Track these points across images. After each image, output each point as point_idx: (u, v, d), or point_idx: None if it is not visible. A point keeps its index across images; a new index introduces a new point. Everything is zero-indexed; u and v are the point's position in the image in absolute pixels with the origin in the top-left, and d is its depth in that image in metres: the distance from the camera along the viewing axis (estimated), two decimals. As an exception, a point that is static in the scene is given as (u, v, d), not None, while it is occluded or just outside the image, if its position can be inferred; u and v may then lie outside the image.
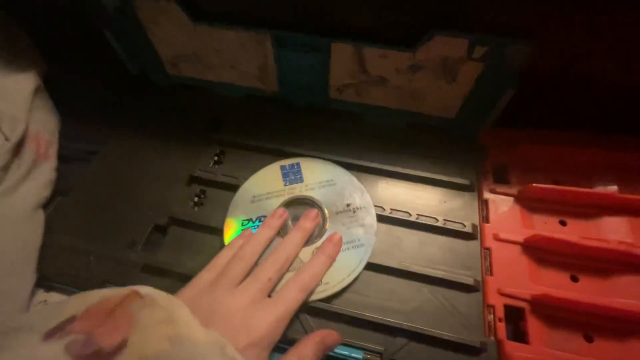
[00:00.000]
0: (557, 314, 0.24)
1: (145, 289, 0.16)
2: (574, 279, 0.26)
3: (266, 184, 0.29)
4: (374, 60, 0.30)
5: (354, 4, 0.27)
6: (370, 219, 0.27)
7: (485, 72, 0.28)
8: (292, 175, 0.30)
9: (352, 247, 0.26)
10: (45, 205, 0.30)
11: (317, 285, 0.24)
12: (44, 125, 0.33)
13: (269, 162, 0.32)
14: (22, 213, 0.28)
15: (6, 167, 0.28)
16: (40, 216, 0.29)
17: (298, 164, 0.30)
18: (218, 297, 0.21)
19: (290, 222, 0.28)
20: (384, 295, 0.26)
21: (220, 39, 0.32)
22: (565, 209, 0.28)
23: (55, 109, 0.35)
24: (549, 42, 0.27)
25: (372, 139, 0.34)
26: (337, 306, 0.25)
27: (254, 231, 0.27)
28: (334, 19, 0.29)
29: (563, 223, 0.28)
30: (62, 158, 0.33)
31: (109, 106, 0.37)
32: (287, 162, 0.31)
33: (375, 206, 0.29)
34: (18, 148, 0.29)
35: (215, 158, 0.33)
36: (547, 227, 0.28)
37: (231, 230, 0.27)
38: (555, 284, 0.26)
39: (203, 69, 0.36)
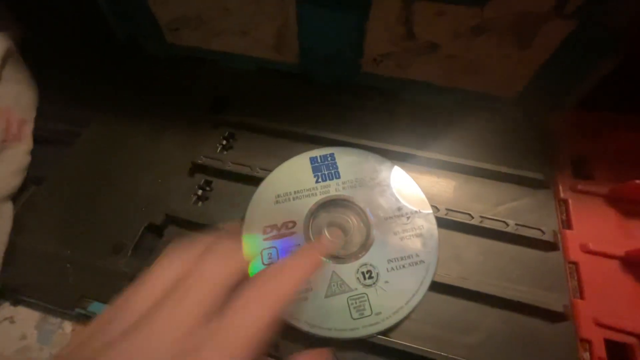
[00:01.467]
0: (678, 354, 0.18)
1: None
2: (693, 305, 0.20)
3: (293, 181, 0.23)
4: (426, 19, 0.24)
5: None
6: (430, 226, 0.21)
7: (574, 35, 0.22)
8: (325, 170, 0.23)
9: (410, 264, 0.20)
10: (14, 197, 0.25)
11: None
12: (17, 100, 0.27)
13: (287, 147, 0.26)
14: None
15: None
16: (8, 210, 0.24)
17: (332, 155, 0.24)
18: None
19: (326, 231, 0.21)
20: (440, 321, 0.20)
21: (230, -7, 0.26)
22: (674, 214, 0.22)
23: (32, 81, 0.29)
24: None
25: (414, 120, 0.28)
26: (383, 337, 0.19)
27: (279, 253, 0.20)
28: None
29: (671, 231, 0.22)
30: (37, 139, 0.27)
31: (94, 80, 0.31)
32: (318, 152, 0.24)
33: (427, 205, 0.23)
34: (-21, 126, 0.23)
35: (224, 142, 0.27)
36: (650, 236, 0.22)
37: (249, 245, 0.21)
38: (669, 313, 0.19)
39: (208, 35, 0.30)
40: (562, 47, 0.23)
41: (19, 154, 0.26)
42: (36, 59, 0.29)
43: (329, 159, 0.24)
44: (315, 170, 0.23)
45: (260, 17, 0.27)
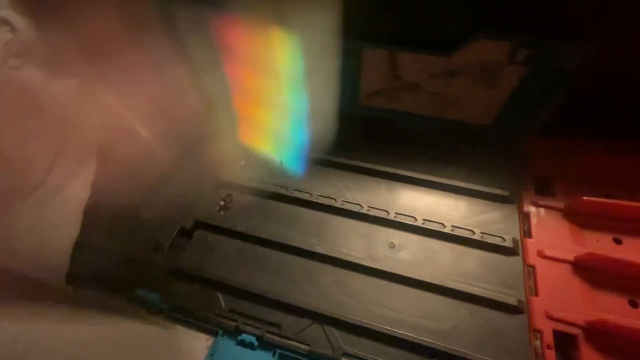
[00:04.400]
0: (616, 344, 0.22)
1: None
2: (633, 304, 0.23)
3: None
4: (408, 65, 0.29)
5: (387, 11, 0.26)
6: None
7: (528, 76, 0.27)
8: None
9: None
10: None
11: None
12: (87, 128, 0.34)
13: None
14: (72, 211, 0.29)
15: (50, 167, 0.29)
16: (80, 214, 0.30)
17: None
18: None
19: None
20: (417, 311, 0.24)
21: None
22: (620, 226, 0.26)
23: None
24: (604, 43, 0.25)
25: (403, 145, 0.33)
26: (368, 322, 0.23)
27: None
28: (367, 24, 0.28)
29: (618, 241, 0.25)
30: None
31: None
32: None
33: (407, 216, 0.28)
34: (61, 148, 0.30)
35: (242, 163, 0.33)
36: (599, 245, 0.25)
37: None
38: (612, 309, 0.23)
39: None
40: (520, 86, 0.28)
41: (90, 172, 0.32)
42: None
43: None
44: None
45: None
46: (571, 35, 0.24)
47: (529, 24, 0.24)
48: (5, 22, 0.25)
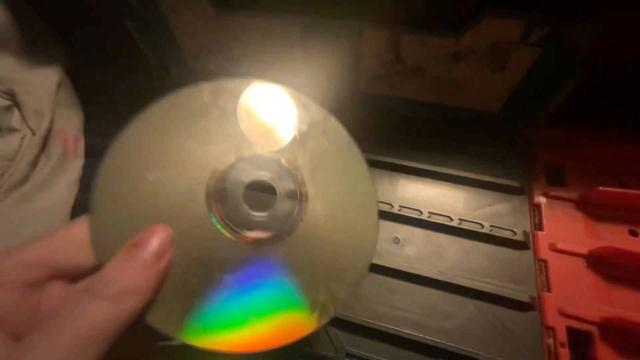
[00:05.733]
0: (632, 340, 0.21)
1: None
2: (651, 299, 0.22)
3: None
4: (411, 48, 0.27)
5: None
6: None
7: (541, 59, 0.25)
8: None
9: None
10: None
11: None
12: (70, 120, 0.32)
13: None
14: (59, 210, 0.27)
15: (35, 162, 0.28)
16: (69, 213, 0.28)
17: None
18: None
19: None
20: (423, 309, 0.23)
21: (244, 29, 0.30)
22: (636, 217, 0.24)
23: (79, 104, 0.34)
24: (620, 24, 0.23)
25: (406, 134, 0.31)
26: (371, 321, 0.22)
27: None
28: (368, 2, 0.26)
29: (633, 233, 0.24)
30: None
31: (129, 101, 0.36)
32: None
33: (412, 209, 0.26)
34: (44, 142, 0.29)
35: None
36: (614, 237, 0.24)
37: None
38: (628, 305, 0.22)
39: (226, 61, 0.34)
40: (532, 70, 0.26)
41: (77, 167, 0.30)
42: (81, 84, 0.35)
43: None
44: None
45: (271, 47, 0.31)
46: (589, 15, 0.22)
47: (544, 1, 0.22)
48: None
